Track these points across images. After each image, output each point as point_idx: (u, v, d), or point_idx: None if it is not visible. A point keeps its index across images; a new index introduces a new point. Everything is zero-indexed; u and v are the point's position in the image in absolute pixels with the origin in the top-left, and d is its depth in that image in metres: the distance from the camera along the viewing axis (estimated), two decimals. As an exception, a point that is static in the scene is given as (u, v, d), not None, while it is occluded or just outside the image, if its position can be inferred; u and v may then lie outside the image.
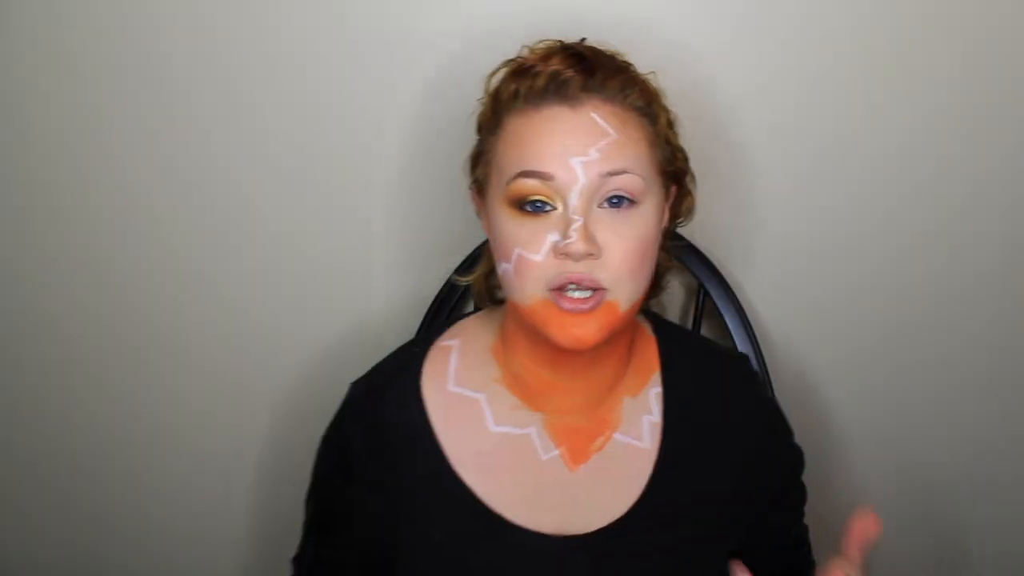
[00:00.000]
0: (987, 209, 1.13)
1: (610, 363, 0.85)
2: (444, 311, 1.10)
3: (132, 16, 1.07)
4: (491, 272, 0.89)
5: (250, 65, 1.08)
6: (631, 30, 1.02)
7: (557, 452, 0.85)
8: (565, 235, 0.75)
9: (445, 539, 0.83)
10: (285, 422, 1.20)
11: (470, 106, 0.86)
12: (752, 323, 1.12)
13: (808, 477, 0.97)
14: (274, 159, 1.11)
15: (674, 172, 0.84)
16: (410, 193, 1.12)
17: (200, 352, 1.19)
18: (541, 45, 0.83)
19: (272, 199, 1.13)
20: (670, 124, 0.84)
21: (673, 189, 0.85)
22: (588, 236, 0.75)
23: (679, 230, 1.02)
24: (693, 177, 0.87)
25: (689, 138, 0.87)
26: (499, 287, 0.86)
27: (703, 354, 0.94)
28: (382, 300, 1.17)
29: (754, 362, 1.10)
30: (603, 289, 0.76)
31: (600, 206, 0.76)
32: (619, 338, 0.83)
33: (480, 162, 0.84)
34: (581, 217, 0.75)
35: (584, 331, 0.76)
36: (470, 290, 0.95)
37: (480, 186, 0.84)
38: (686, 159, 0.86)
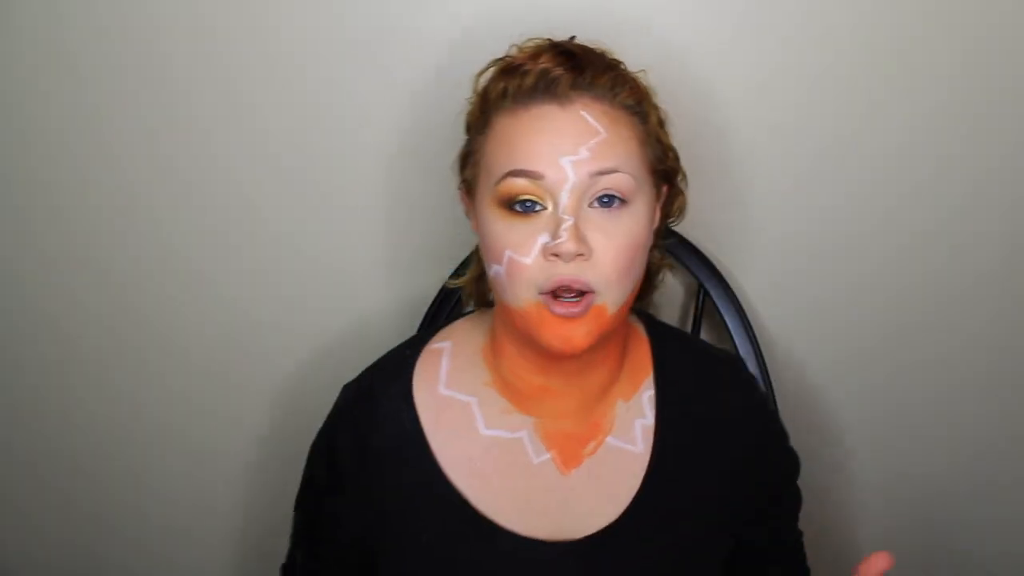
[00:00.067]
0: (987, 209, 1.13)
1: (603, 367, 0.84)
2: (444, 311, 1.09)
3: (132, 16, 1.07)
4: (482, 275, 0.88)
5: (250, 65, 1.08)
6: (631, 31, 1.02)
7: (549, 456, 0.84)
8: (555, 235, 0.74)
9: (435, 542, 0.83)
10: (285, 422, 1.20)
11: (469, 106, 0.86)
12: (752, 323, 1.12)
13: (807, 477, 0.97)
14: (274, 159, 1.11)
15: (665, 171, 0.83)
16: (411, 193, 1.12)
17: (200, 352, 1.19)
18: (530, 44, 0.82)
19: (272, 199, 1.13)
20: (661, 123, 0.83)
21: (664, 189, 0.84)
22: (579, 236, 0.74)
23: (678, 229, 1.03)
24: (684, 176, 0.87)
25: (686, 137, 0.87)
26: (490, 290, 0.85)
27: (697, 356, 0.93)
28: (382, 300, 1.17)
29: (754, 362, 1.10)
30: (592, 292, 0.75)
31: (591, 206, 0.75)
32: (611, 341, 0.82)
33: (469, 162, 0.83)
34: (571, 217, 0.74)
35: (574, 334, 0.75)
36: (461, 293, 0.94)
37: (469, 187, 0.83)
38: (677, 158, 0.85)
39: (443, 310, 1.10)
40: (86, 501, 1.26)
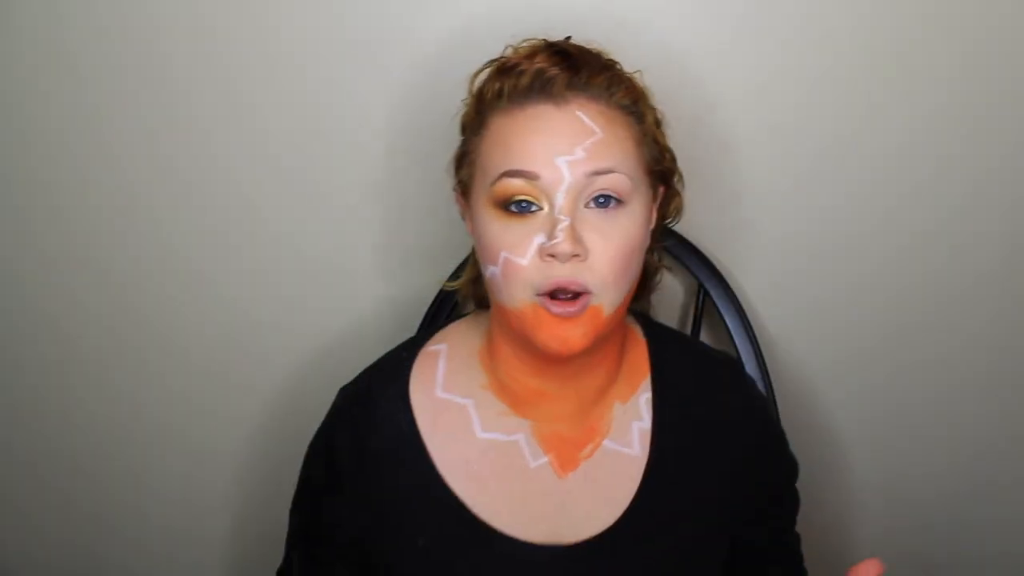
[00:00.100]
0: (987, 209, 1.13)
1: (600, 370, 0.84)
2: (444, 311, 1.09)
3: (132, 16, 1.07)
4: (478, 277, 0.87)
5: (250, 65, 1.08)
6: (631, 32, 1.02)
7: (546, 459, 0.83)
8: (551, 236, 0.73)
9: (431, 545, 0.82)
10: (285, 422, 1.20)
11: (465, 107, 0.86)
12: (752, 323, 1.12)
13: (807, 477, 0.97)
14: (274, 159, 1.11)
15: (662, 172, 0.82)
16: (411, 193, 1.12)
17: (200, 352, 1.19)
18: (525, 44, 0.81)
19: (272, 199, 1.13)
20: (657, 123, 0.82)
21: (661, 190, 0.84)
22: (575, 237, 0.73)
23: (679, 229, 1.03)
24: (681, 177, 0.86)
25: (687, 138, 0.87)
26: (486, 292, 0.84)
27: (697, 358, 0.92)
28: (382, 300, 1.17)
29: (754, 362, 1.10)
30: (588, 293, 0.74)
31: (587, 206, 0.75)
32: (608, 343, 0.82)
33: (464, 163, 0.82)
34: (568, 217, 0.74)
35: (571, 334, 0.74)
36: (457, 296, 0.94)
37: (464, 188, 0.83)
38: (674, 159, 0.84)
39: (443, 310, 1.10)
40: (86, 501, 1.26)
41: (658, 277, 0.93)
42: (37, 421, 1.23)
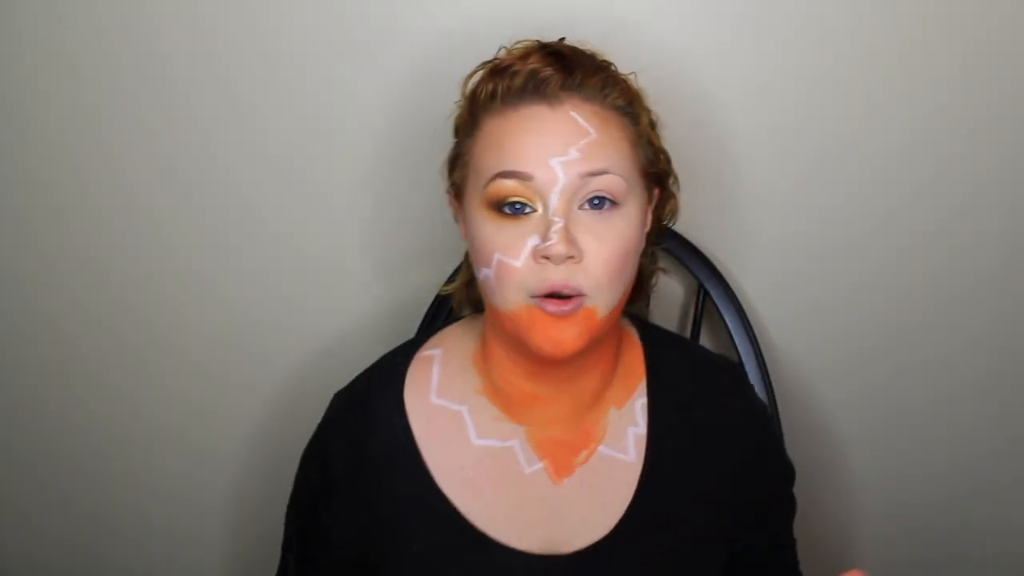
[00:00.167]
0: (987, 209, 1.13)
1: (595, 373, 0.83)
2: (444, 311, 1.09)
3: (132, 16, 1.07)
4: (472, 280, 0.86)
5: (250, 65, 1.08)
6: (631, 33, 1.02)
7: (541, 465, 0.83)
8: (545, 237, 0.73)
9: (426, 552, 0.82)
10: (285, 422, 1.20)
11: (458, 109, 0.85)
12: (752, 323, 1.12)
13: (806, 478, 0.97)
14: (274, 159, 1.11)
15: (657, 174, 0.82)
16: (411, 192, 1.12)
17: (200, 352, 1.19)
18: (519, 45, 0.81)
19: (272, 199, 1.13)
20: (652, 125, 0.82)
21: (656, 191, 0.83)
22: (569, 238, 0.72)
23: (678, 230, 1.03)
24: (676, 179, 0.85)
25: (686, 139, 0.87)
26: (480, 296, 0.84)
27: (696, 362, 0.91)
28: (382, 300, 1.17)
29: (754, 362, 1.10)
30: (582, 295, 0.74)
31: (581, 207, 0.74)
32: (603, 347, 0.81)
33: (457, 165, 0.82)
34: (562, 219, 0.73)
35: (564, 336, 0.74)
36: (451, 300, 0.93)
37: (458, 190, 0.82)
38: (669, 161, 0.83)
39: (442, 311, 1.10)
40: (86, 501, 1.26)
41: (654, 280, 0.92)
42: (37, 421, 1.23)
